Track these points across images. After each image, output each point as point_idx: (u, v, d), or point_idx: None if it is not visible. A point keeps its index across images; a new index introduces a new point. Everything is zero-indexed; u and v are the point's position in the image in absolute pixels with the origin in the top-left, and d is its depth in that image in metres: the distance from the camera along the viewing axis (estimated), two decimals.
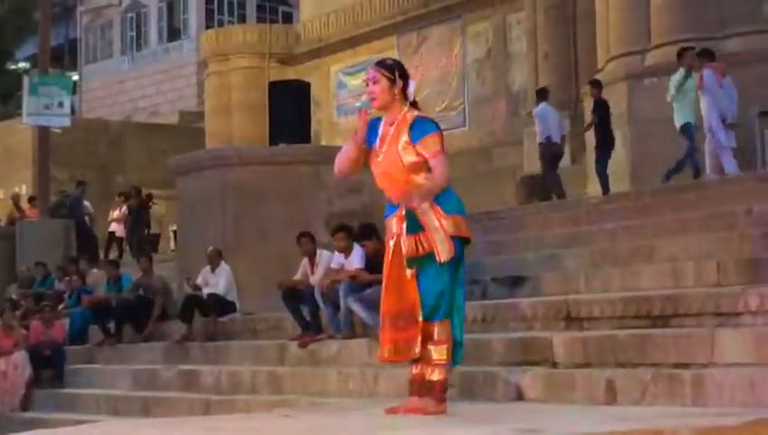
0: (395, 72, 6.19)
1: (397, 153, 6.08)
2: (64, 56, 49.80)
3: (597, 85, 16.15)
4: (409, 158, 6.06)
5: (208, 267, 13.24)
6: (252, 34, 36.17)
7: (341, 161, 6.32)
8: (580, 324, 8.31)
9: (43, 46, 24.87)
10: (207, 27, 42.17)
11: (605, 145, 15.74)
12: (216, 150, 16.80)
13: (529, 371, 7.65)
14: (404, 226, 6.08)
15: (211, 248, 13.20)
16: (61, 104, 23.29)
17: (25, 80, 24.46)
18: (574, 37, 23.95)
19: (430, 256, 6.03)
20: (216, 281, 13.15)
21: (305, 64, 34.65)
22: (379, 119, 6.29)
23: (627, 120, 15.99)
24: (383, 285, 6.24)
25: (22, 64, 49.64)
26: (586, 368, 7.41)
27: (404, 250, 6.07)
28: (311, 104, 15.41)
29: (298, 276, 11.61)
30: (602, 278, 9.66)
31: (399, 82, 6.17)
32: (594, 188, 16.04)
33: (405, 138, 6.09)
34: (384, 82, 6.15)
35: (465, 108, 29.76)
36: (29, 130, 28.42)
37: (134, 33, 47.30)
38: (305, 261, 11.67)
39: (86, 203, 23.39)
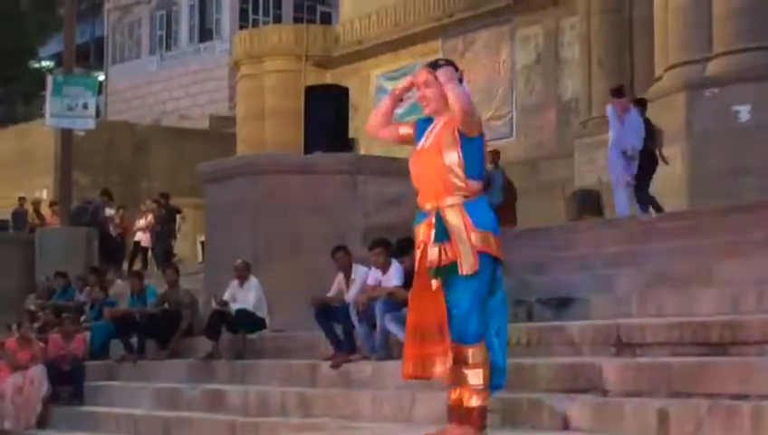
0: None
1: (439, 152, 6.10)
2: (90, 55, 50.27)
3: (643, 105, 16.05)
4: (451, 158, 6.08)
5: (236, 281, 13.28)
6: (288, 35, 36.36)
7: (374, 115, 6.46)
8: (632, 350, 8.28)
9: (68, 44, 25.08)
10: (241, 27, 42.43)
11: (649, 167, 15.49)
12: (247, 157, 16.88)
13: (576, 398, 7.62)
14: (432, 233, 6.10)
15: (239, 261, 13.22)
16: (85, 106, 23.46)
17: (49, 79, 24.67)
18: (630, 43, 23.88)
19: (455, 267, 6.03)
20: (245, 296, 13.16)
21: (344, 68, 34.77)
22: (428, 120, 6.32)
23: (684, 133, 15.91)
24: (409, 296, 6.24)
25: (45, 63, 50.11)
26: (637, 397, 7.37)
27: (429, 258, 6.09)
28: (348, 110, 15.44)
29: (332, 293, 11.63)
30: (656, 301, 9.62)
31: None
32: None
33: (450, 138, 6.10)
34: (438, 86, 6.18)
35: (512, 117, 29.74)
36: (51, 132, 28.67)
37: (164, 33, 47.63)
38: (340, 276, 11.68)
39: (111, 211, 23.52)
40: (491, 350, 6.15)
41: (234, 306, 13.08)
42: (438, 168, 6.09)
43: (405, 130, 6.41)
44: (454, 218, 6.05)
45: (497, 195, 17.56)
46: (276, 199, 13.74)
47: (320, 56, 35.71)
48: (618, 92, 15.84)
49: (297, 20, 43.13)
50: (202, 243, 22.48)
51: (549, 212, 21.43)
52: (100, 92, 37.16)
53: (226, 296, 13.20)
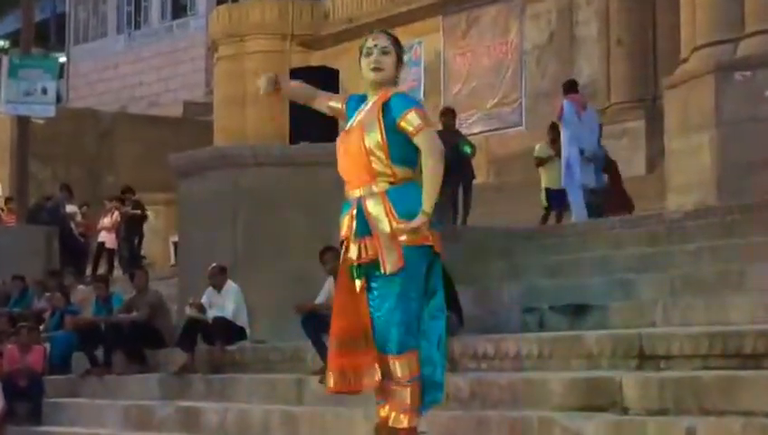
0: (402, 50, 6.44)
1: (361, 133, 6.10)
2: (50, 34, 50.20)
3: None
4: (372, 139, 6.04)
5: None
6: (271, 12, 36.30)
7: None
8: (656, 363, 8.28)
9: (25, 22, 25.09)
10: (219, 2, 42.36)
11: None
12: (226, 149, 16.87)
13: (593, 417, 7.63)
14: (354, 226, 6.03)
15: (213, 266, 13.20)
16: (44, 90, 23.47)
17: (4, 61, 24.64)
18: (653, 20, 23.92)
19: (377, 264, 5.94)
20: (223, 303, 13.16)
21: (333, 48, 34.73)
22: (362, 97, 6.38)
23: (713, 121, 15.91)
24: (333, 300, 6.18)
25: (0, 43, 50.07)
26: (662, 415, 7.38)
27: (351, 255, 6.02)
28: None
29: (320, 299, 11.63)
30: (683, 309, 9.63)
31: (401, 65, 6.40)
32: (675, 200, 16.01)
33: (373, 115, 6.10)
34: (394, 57, 6.36)
35: (521, 103, 29.73)
36: (6, 119, 28.64)
37: (132, 8, 47.61)
38: (329, 281, 11.68)
39: (73, 208, 23.49)
40: (428, 363, 6.01)
41: (210, 314, 13.08)
42: (359, 150, 6.06)
43: (334, 103, 6.55)
44: (375, 208, 5.97)
45: (599, 177, 17.50)
46: (258, 195, 13.74)
47: (307, 35, 35.68)
48: (573, 87, 17.05)
49: None
50: (175, 244, 22.46)
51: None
52: (61, 76, 37.15)
53: (203, 301, 13.19)
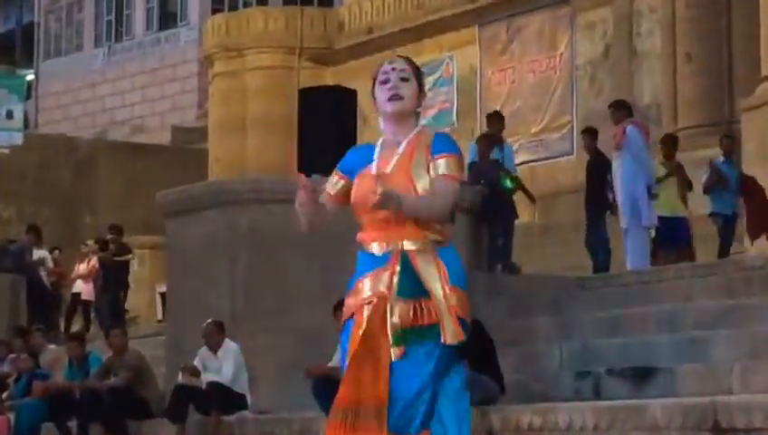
0: (423, 79, 6.36)
1: (408, 177, 6.08)
2: (15, 48, 50.49)
3: (592, 134, 17.56)
4: (425, 184, 6.06)
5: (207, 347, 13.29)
6: (276, 21, 36.46)
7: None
8: None
9: None
10: (214, 10, 42.58)
11: (599, 213, 17.04)
12: (222, 183, 16.90)
13: None
14: (396, 283, 6.05)
15: (209, 322, 13.19)
16: (10, 114, 23.68)
17: None
18: (728, 32, 23.92)
19: (429, 332, 6.00)
20: (219, 365, 13.16)
21: (350, 64, 34.85)
22: (369, 146, 6.35)
23: None
24: (347, 363, 6.18)
25: None
26: None
27: (396, 319, 6.03)
28: (357, 120, 15.46)
29: (334, 362, 11.61)
30: (766, 373, 9.58)
31: (423, 95, 6.32)
32: (756, 242, 15.98)
33: (422, 158, 6.11)
34: (415, 86, 6.27)
35: (572, 128, 29.73)
36: None
37: (112, 18, 47.84)
38: None
39: (43, 253, 23.55)
40: None
41: (205, 378, 13.08)
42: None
43: (334, 186, 6.45)
44: (427, 268, 6.04)
45: (731, 199, 17.45)
46: (261, 238, 13.75)
47: (318, 48, 35.81)
48: (629, 109, 16.92)
49: (288, 1, 43.24)
50: (162, 295, 22.49)
51: (621, 254, 21.39)
52: (28, 97, 37.34)
53: (196, 362, 13.19)
